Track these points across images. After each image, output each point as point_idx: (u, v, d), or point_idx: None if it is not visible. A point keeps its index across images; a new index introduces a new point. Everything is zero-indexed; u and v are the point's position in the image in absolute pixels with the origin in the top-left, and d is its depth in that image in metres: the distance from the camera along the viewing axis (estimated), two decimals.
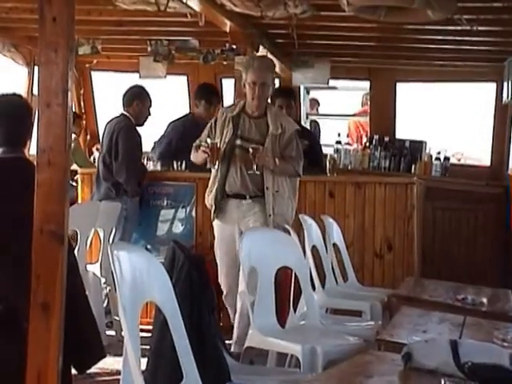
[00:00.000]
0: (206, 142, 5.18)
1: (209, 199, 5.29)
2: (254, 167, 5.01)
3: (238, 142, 5.13)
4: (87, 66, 8.77)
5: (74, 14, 3.41)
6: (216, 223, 5.32)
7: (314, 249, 5.04)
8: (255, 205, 5.10)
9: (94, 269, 5.95)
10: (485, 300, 4.13)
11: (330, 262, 5.30)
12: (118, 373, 2.70)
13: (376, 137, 8.50)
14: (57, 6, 3.25)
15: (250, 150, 4.99)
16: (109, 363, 4.27)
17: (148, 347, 3.14)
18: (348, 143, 8.75)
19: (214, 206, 5.24)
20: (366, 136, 8.98)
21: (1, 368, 3.27)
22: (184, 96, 9.01)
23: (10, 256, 3.22)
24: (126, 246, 3.09)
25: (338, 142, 8.59)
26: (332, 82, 8.39)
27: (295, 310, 4.39)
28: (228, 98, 8.03)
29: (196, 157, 5.33)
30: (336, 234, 5.58)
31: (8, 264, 3.24)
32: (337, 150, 8.49)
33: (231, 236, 5.16)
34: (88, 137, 9.40)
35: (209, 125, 5.33)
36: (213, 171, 5.26)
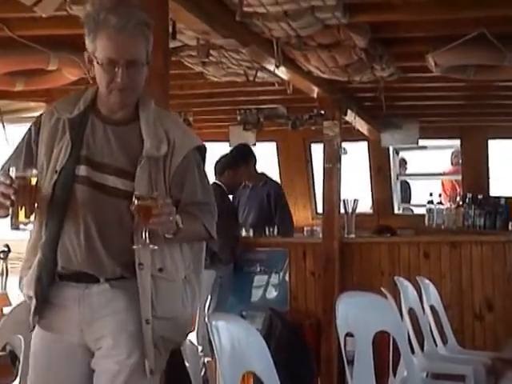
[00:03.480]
0: (7, 173, 2.59)
1: (24, 283, 2.74)
2: (143, 236, 2.51)
3: (83, 170, 2.66)
4: None
5: (168, 92, 3.55)
6: (37, 332, 2.74)
7: (410, 311, 4.96)
8: (117, 296, 2.64)
9: (191, 337, 6.00)
10: None
11: (428, 325, 5.20)
12: None
13: (469, 195, 8.38)
14: (152, 85, 3.37)
15: (135, 201, 2.49)
16: None
17: None
18: (440, 202, 8.66)
19: (33, 298, 2.69)
20: (459, 194, 8.87)
21: None
22: (274, 162, 9.11)
23: None
24: (223, 316, 3.12)
25: (430, 202, 8.50)
26: (421, 142, 8.36)
27: (395, 375, 4.32)
28: (317, 164, 8.09)
29: None
30: (433, 296, 5.48)
31: None
32: (429, 210, 8.40)
33: (68, 357, 2.69)
34: None
35: (23, 136, 2.80)
36: (31, 233, 2.75)
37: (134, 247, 2.54)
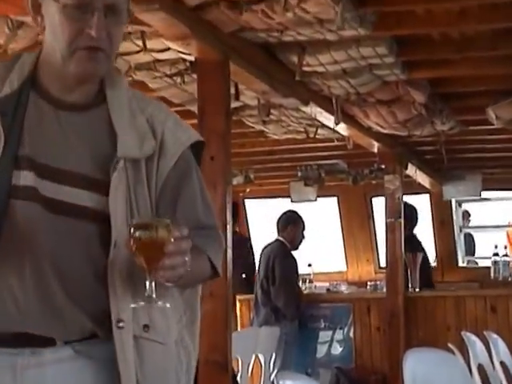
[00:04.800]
0: None
1: None
2: (148, 287, 1.61)
3: (25, 179, 1.71)
4: (241, 194, 9.08)
5: (230, 151, 3.62)
6: None
7: (480, 367, 4.87)
8: (82, 368, 1.73)
9: None
10: None
11: (499, 381, 5.09)
12: None
13: None
14: (215, 145, 3.46)
15: (134, 232, 1.60)
16: None
17: None
18: (506, 254, 8.52)
19: None
20: None
21: None
22: (336, 217, 9.12)
23: None
24: (290, 375, 3.12)
25: (496, 254, 8.37)
26: (484, 193, 8.28)
27: None
28: (379, 218, 8.07)
29: None
30: (502, 351, 5.37)
31: None
32: (495, 262, 8.27)
33: None
34: None
35: None
36: None
37: (133, 305, 1.66)
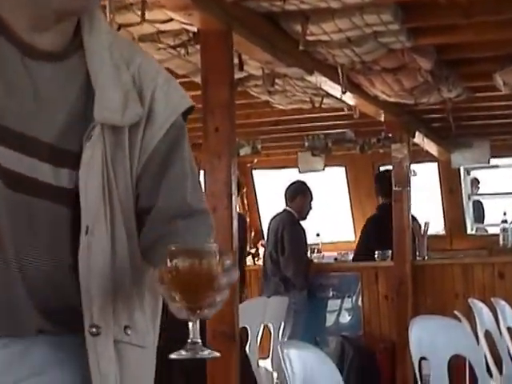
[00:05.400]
0: None
1: None
2: (194, 331, 1.27)
3: None
4: (248, 165, 9.07)
5: (235, 122, 3.62)
6: None
7: (487, 334, 4.89)
8: (45, 355, 1.41)
9: (266, 364, 6.02)
10: None
11: (506, 347, 5.11)
12: None
13: None
14: (219, 116, 3.46)
15: (172, 262, 1.24)
16: None
17: None
18: None
19: None
20: None
21: None
22: (343, 187, 9.11)
23: None
24: (295, 344, 3.15)
25: (505, 221, 8.36)
26: (493, 161, 8.25)
27: None
28: None
29: None
30: (510, 317, 5.38)
31: None
32: (504, 230, 8.26)
33: None
34: (252, 233, 9.64)
35: None
36: None
37: (173, 356, 1.28)
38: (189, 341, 1.25)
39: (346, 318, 6.92)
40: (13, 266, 1.35)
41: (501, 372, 4.87)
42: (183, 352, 1.25)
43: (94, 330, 1.36)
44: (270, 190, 9.06)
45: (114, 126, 1.40)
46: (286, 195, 6.91)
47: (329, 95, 5.50)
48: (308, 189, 6.92)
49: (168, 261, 1.22)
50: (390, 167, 6.99)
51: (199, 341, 1.24)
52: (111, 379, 1.38)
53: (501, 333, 5.14)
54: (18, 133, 1.35)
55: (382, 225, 6.88)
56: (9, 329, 1.37)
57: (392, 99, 5.65)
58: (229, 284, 1.23)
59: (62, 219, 1.38)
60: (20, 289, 1.36)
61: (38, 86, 1.37)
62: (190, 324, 1.25)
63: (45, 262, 1.38)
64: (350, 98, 5.57)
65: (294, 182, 7.05)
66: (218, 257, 1.22)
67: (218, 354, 1.29)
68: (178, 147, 1.48)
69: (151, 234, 1.43)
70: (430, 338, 3.92)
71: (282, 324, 6.31)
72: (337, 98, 5.51)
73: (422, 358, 3.85)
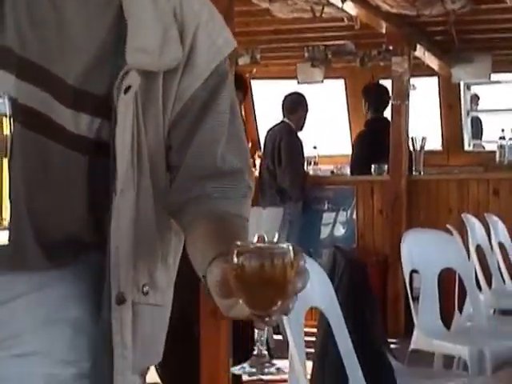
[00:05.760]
0: None
1: None
2: (262, 341, 1.88)
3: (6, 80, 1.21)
4: (247, 75, 8.99)
5: (233, 29, 3.55)
6: None
7: (478, 248, 4.94)
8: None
9: None
10: None
11: (496, 262, 5.17)
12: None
13: None
14: None
15: (237, 259, 1.03)
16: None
17: (313, 350, 3.21)
18: None
19: None
20: None
21: (179, 372, 3.46)
22: (342, 100, 9.05)
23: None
24: None
25: (502, 138, 8.34)
26: (494, 76, 8.16)
27: (461, 312, 4.33)
28: None
29: None
30: (502, 233, 5.43)
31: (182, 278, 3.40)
32: (501, 146, 8.25)
33: None
34: (249, 144, 9.63)
35: None
36: None
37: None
38: (254, 352, 1.10)
39: (340, 231, 6.98)
40: (21, 205, 1.24)
41: (490, 286, 4.94)
42: (247, 367, 1.07)
43: (121, 297, 1.26)
44: (268, 100, 8.99)
45: (147, 72, 1.22)
46: (284, 107, 6.86)
47: (330, 4, 5.40)
48: (306, 101, 6.88)
49: (233, 258, 1.03)
50: (381, 81, 6.94)
51: (266, 352, 1.06)
52: (127, 341, 1.28)
53: (492, 248, 5.19)
54: (39, 67, 1.21)
55: (369, 141, 6.89)
56: (14, 264, 1.26)
57: (394, 10, 5.56)
58: (302, 289, 1.06)
59: (77, 167, 1.24)
60: (27, 228, 1.25)
61: (62, 18, 1.22)
62: (256, 332, 1.06)
63: (55, 206, 1.26)
64: (351, 8, 5.48)
65: (291, 94, 6.99)
66: (292, 257, 1.03)
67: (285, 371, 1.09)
68: (218, 98, 1.29)
69: (180, 192, 1.28)
70: (422, 251, 3.96)
71: (277, 235, 6.36)
72: (338, 8, 5.42)
73: (414, 271, 3.90)
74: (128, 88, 1.19)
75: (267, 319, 1.03)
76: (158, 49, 1.22)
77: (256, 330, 0.96)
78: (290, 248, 1.03)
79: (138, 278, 1.29)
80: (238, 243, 1.05)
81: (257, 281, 1.02)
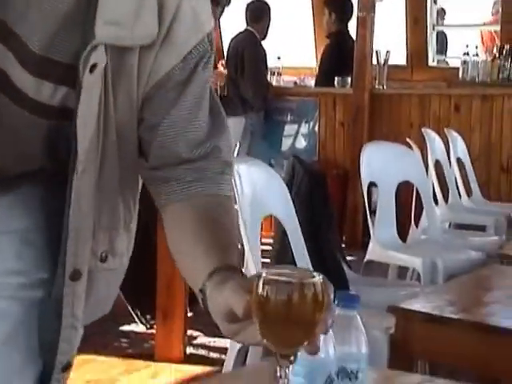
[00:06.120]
0: None
1: None
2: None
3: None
4: None
5: None
6: None
7: (437, 164, 4.99)
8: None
9: None
10: None
11: (453, 177, 5.23)
12: None
13: (507, 46, 8.16)
14: None
15: (264, 291, 0.91)
16: None
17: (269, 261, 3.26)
18: (477, 54, 8.47)
19: None
20: (496, 46, 8.65)
21: (136, 281, 3.50)
22: (308, 10, 8.91)
23: None
24: (246, 159, 3.17)
25: (466, 54, 8.32)
26: None
27: (417, 225, 4.40)
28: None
29: None
30: (460, 148, 5.48)
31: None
32: (464, 62, 8.24)
33: None
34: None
35: None
36: None
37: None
38: None
39: (301, 144, 6.98)
40: None
41: (446, 201, 5.01)
42: None
43: (76, 274, 1.20)
44: (232, 7, 8.83)
45: (119, 47, 1.13)
46: (248, 15, 6.74)
47: None
48: (270, 9, 6.78)
49: (260, 291, 0.90)
50: None
51: None
52: (77, 313, 1.24)
53: (450, 163, 5.24)
54: (2, 21, 1.10)
55: (335, 54, 6.83)
56: None
57: None
58: (330, 328, 0.96)
59: (39, 128, 1.18)
60: None
61: None
62: (277, 373, 0.94)
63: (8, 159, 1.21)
64: None
65: (255, 1, 6.86)
66: (322, 291, 0.90)
67: None
68: (194, 77, 1.19)
69: (152, 167, 1.22)
70: (381, 164, 3.98)
71: (238, 144, 6.36)
72: None
73: (372, 185, 3.92)
74: (94, 66, 1.10)
75: (292, 358, 0.92)
76: (131, 20, 1.11)
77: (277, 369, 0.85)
78: (321, 279, 0.90)
79: (98, 248, 1.25)
80: (265, 273, 0.91)
81: (283, 317, 0.89)
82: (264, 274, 0.90)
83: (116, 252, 1.28)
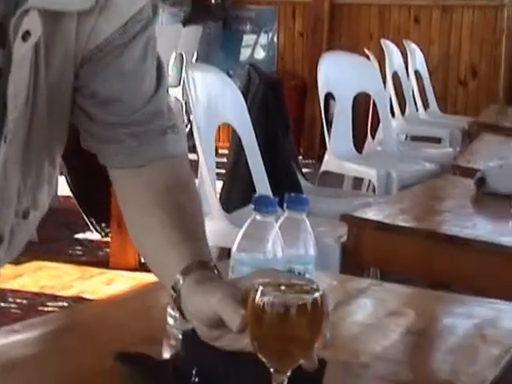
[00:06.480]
0: None
1: None
2: None
3: None
4: None
5: None
6: None
7: (394, 75, 4.97)
8: None
9: (177, 93, 6.03)
10: None
11: (411, 89, 5.23)
12: None
13: None
14: None
15: (264, 304, 0.84)
16: None
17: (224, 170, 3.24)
18: None
19: None
20: None
21: (93, 183, 3.48)
22: None
23: None
24: (201, 67, 3.12)
25: None
26: None
27: (373, 137, 4.41)
28: None
29: None
30: (419, 61, 5.46)
31: None
32: None
33: None
34: None
35: None
36: None
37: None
38: None
39: (260, 54, 6.91)
40: None
41: (403, 113, 5.02)
42: None
43: None
44: None
45: (53, 12, 1.05)
46: None
47: None
48: None
49: (255, 309, 0.84)
50: None
51: None
52: None
53: (408, 75, 5.23)
54: None
55: None
56: None
57: None
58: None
59: None
60: None
61: None
62: None
63: None
64: None
65: None
66: (322, 307, 0.85)
67: None
68: (133, 44, 1.13)
69: (91, 135, 1.17)
70: (338, 75, 3.95)
71: (195, 53, 6.26)
72: None
73: (331, 97, 3.90)
74: (28, 33, 1.02)
75: (286, 376, 0.86)
76: None
77: None
78: (320, 292, 0.84)
79: (20, 207, 1.19)
80: (260, 283, 0.85)
81: (281, 334, 0.84)
82: (261, 287, 0.84)
83: (38, 205, 1.22)
